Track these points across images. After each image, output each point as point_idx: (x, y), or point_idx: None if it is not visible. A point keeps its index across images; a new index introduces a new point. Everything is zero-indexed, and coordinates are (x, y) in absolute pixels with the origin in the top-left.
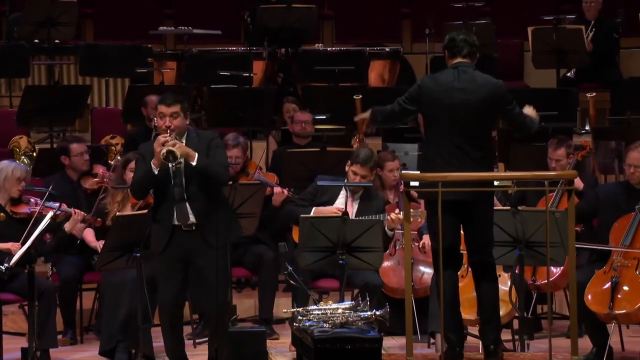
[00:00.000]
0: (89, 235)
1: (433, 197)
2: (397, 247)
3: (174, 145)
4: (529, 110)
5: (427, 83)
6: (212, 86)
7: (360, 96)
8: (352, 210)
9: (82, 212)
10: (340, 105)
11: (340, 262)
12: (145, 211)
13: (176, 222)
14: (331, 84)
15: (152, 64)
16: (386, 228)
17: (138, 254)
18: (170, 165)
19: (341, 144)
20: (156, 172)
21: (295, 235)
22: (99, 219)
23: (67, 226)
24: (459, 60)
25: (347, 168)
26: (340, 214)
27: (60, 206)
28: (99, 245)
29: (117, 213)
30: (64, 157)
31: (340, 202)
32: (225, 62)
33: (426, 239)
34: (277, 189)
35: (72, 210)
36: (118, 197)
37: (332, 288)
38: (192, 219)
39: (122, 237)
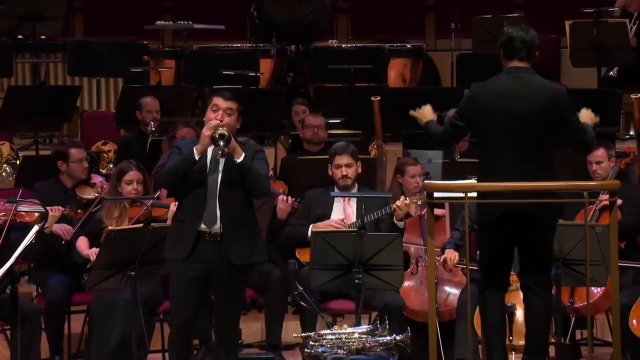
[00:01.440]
0: (82, 243)
1: (484, 210)
2: (419, 265)
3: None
4: (585, 114)
5: (477, 92)
6: (215, 87)
7: (379, 98)
8: (351, 214)
9: (60, 207)
10: (356, 108)
11: (357, 281)
12: (141, 225)
13: (202, 226)
14: (346, 85)
15: (148, 62)
16: (395, 220)
17: (133, 273)
18: (215, 150)
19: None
20: (197, 159)
21: (301, 256)
22: (79, 210)
23: (46, 227)
24: (515, 63)
25: (330, 172)
26: (339, 224)
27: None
28: (91, 253)
29: (109, 227)
30: (61, 162)
31: (338, 210)
32: (229, 61)
33: (448, 255)
34: (280, 197)
35: (48, 209)
36: (115, 212)
37: (348, 310)
38: (218, 224)
39: (115, 253)
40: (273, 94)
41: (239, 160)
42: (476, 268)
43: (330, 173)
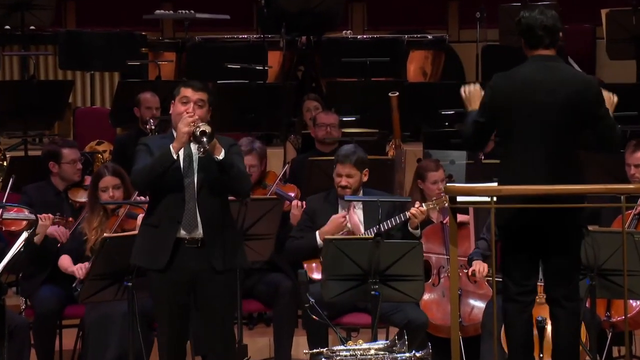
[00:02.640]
0: (65, 261)
1: (506, 218)
2: (441, 276)
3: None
4: (606, 97)
5: (500, 83)
6: (219, 82)
7: (397, 94)
8: (359, 223)
9: (50, 215)
10: (372, 104)
11: (373, 293)
12: (137, 232)
13: (182, 232)
14: (361, 79)
15: (147, 55)
16: (410, 228)
17: (130, 283)
18: (195, 150)
19: (374, 150)
20: (175, 157)
21: (309, 269)
22: (70, 219)
23: (36, 236)
24: (539, 52)
25: (334, 174)
26: (345, 220)
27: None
28: (77, 269)
29: (105, 234)
30: (53, 163)
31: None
32: (235, 53)
33: (477, 266)
34: (295, 203)
35: (40, 216)
36: (94, 222)
37: (363, 324)
38: (199, 229)
39: (110, 262)
40: (282, 90)
41: (220, 157)
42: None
43: (333, 175)
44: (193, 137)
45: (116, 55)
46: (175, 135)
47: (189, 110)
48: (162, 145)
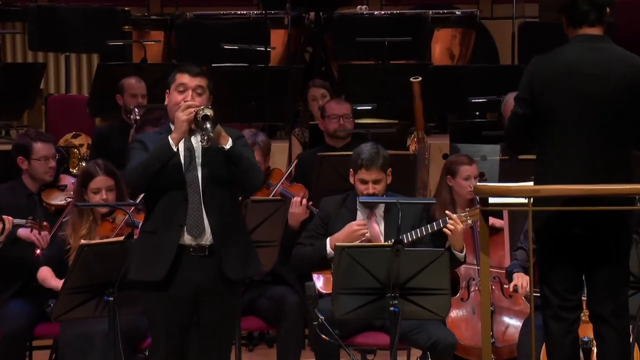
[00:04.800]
0: (45, 273)
1: (544, 222)
2: (471, 290)
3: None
4: None
5: (539, 66)
6: (214, 65)
7: (420, 79)
8: (379, 234)
9: (10, 218)
10: (391, 91)
11: (392, 309)
12: (122, 238)
13: (186, 238)
14: (379, 62)
15: (130, 34)
16: (454, 250)
17: (111, 298)
18: (199, 139)
19: (393, 145)
20: (175, 149)
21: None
22: (45, 223)
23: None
24: (585, 31)
25: (351, 179)
26: (363, 229)
27: None
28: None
29: (82, 241)
30: (22, 158)
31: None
32: (232, 32)
33: (519, 280)
34: (294, 200)
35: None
36: (81, 229)
37: (380, 345)
38: (207, 234)
39: (88, 274)
40: (287, 74)
41: (227, 147)
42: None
43: (351, 181)
44: (195, 123)
45: (95, 34)
46: (173, 128)
47: (187, 99)
48: (159, 141)
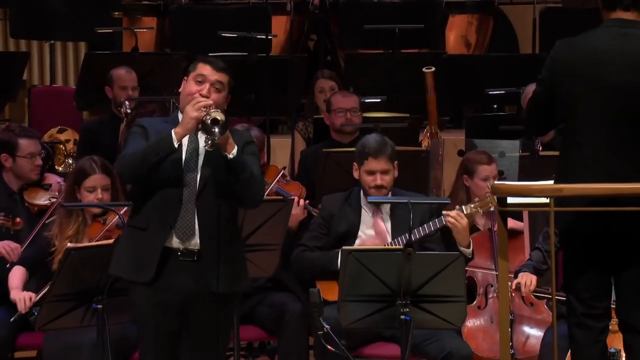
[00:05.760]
0: (16, 276)
1: (568, 222)
2: (489, 297)
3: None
4: None
5: (562, 51)
6: (211, 54)
7: (433, 69)
8: (386, 233)
9: None
10: (402, 82)
11: (403, 317)
12: (111, 241)
13: (174, 241)
14: (389, 51)
15: (121, 21)
16: (460, 246)
17: (99, 306)
18: (202, 143)
19: (404, 140)
20: (176, 145)
21: (325, 291)
22: (18, 219)
23: None
24: (618, 15)
25: (355, 174)
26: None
27: None
28: (20, 299)
29: (69, 244)
30: (6, 155)
31: (366, 225)
32: (230, 19)
33: (522, 279)
34: (292, 200)
35: None
36: (68, 229)
37: (390, 356)
38: (196, 238)
39: (76, 280)
40: (289, 64)
41: (230, 155)
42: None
43: (355, 175)
44: (202, 125)
45: (82, 21)
46: (180, 120)
47: (203, 92)
48: (162, 130)
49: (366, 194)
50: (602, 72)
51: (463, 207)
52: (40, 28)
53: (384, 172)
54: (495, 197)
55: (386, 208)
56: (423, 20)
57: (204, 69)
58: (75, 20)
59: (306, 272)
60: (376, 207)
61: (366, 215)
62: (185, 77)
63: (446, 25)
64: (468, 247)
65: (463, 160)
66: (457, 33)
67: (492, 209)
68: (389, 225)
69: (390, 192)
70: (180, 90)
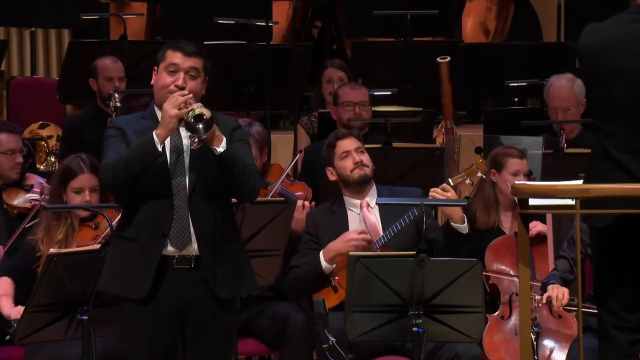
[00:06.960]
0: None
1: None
2: (513, 307)
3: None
4: None
5: (586, 38)
6: (206, 43)
7: (448, 59)
8: (377, 224)
9: None
10: (414, 73)
11: (415, 329)
12: (98, 246)
13: (169, 249)
14: (400, 40)
15: (107, 6)
16: (452, 223)
17: (85, 317)
18: (189, 142)
19: (417, 136)
20: (160, 149)
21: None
22: None
23: None
24: None
25: (332, 177)
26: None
27: None
28: (14, 312)
29: (51, 250)
30: None
31: (355, 223)
32: (228, 4)
33: (554, 292)
34: (298, 203)
35: None
36: (56, 233)
37: None
38: (193, 244)
39: (58, 289)
40: (292, 54)
41: (220, 150)
42: (594, 311)
43: (331, 176)
44: (185, 124)
45: (66, 7)
46: (159, 117)
47: (178, 83)
48: (142, 130)
49: (349, 186)
50: (627, 59)
51: (449, 179)
52: (19, 14)
53: (359, 151)
54: (484, 163)
55: (372, 200)
56: (437, 5)
57: (175, 57)
58: (58, 5)
59: (302, 291)
60: (362, 199)
61: (353, 214)
62: (155, 68)
63: (463, 11)
64: (462, 222)
65: (492, 154)
66: (475, 19)
67: (479, 174)
68: (378, 216)
69: (374, 187)
70: (152, 82)
